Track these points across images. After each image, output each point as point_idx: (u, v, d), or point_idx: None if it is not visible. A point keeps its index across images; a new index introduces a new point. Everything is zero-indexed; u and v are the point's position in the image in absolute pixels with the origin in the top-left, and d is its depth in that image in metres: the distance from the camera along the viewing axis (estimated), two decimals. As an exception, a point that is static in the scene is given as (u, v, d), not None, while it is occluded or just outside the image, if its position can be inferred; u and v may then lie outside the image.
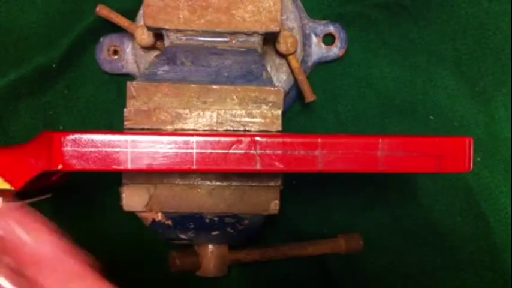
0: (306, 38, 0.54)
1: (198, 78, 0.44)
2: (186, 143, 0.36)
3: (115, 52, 0.55)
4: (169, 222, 0.46)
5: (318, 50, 0.55)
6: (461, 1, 0.55)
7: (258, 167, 0.36)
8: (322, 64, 0.56)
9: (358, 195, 0.57)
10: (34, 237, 0.39)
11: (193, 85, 0.43)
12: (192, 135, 0.36)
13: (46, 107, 0.56)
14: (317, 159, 0.36)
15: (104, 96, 0.56)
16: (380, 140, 0.37)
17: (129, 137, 0.36)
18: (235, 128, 0.42)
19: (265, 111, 0.43)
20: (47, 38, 0.55)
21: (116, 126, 0.55)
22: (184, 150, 0.36)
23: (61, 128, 0.56)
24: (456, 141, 0.37)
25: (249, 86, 0.43)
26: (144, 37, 0.50)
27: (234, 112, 0.43)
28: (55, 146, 0.35)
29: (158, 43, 0.52)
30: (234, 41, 0.47)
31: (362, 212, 0.57)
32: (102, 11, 0.52)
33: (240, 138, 0.36)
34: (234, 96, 0.43)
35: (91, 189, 0.56)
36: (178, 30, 0.46)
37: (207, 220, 0.46)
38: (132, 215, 0.46)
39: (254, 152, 0.36)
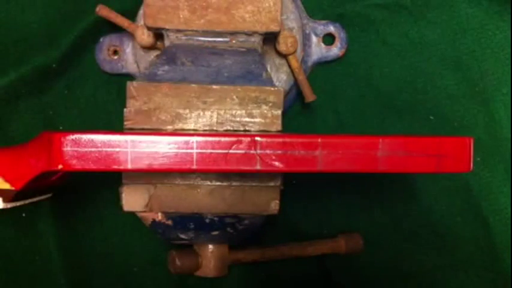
0: (306, 38, 0.54)
1: (198, 78, 0.44)
2: (186, 143, 0.36)
3: (115, 52, 0.55)
4: (169, 222, 0.46)
5: (318, 50, 0.55)
6: (461, 1, 0.55)
7: (258, 167, 0.36)
8: (322, 64, 0.56)
9: (358, 195, 0.57)
10: None
11: (193, 85, 0.43)
12: (192, 135, 0.36)
13: (46, 107, 0.56)
14: (317, 159, 0.36)
15: (104, 96, 0.56)
16: (380, 140, 0.37)
17: (129, 137, 0.36)
18: (235, 128, 0.42)
19: (265, 111, 0.43)
20: (47, 38, 0.55)
21: (116, 126, 0.55)
22: (184, 150, 0.36)
23: (61, 128, 0.56)
24: (456, 141, 0.37)
25: (249, 86, 0.43)
26: (144, 37, 0.50)
27: (234, 112, 0.43)
28: (55, 146, 0.35)
29: (158, 43, 0.52)
30: (234, 41, 0.47)
31: (362, 212, 0.57)
32: (102, 11, 0.52)
33: (240, 138, 0.36)
34: (234, 96, 0.43)
35: (91, 189, 0.56)
36: (178, 30, 0.46)
37: (207, 220, 0.46)
38: (132, 215, 0.46)
39: (254, 152, 0.36)
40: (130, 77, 0.55)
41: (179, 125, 0.42)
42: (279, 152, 0.36)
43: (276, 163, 0.36)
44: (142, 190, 0.44)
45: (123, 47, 0.55)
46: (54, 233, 0.56)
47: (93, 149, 0.35)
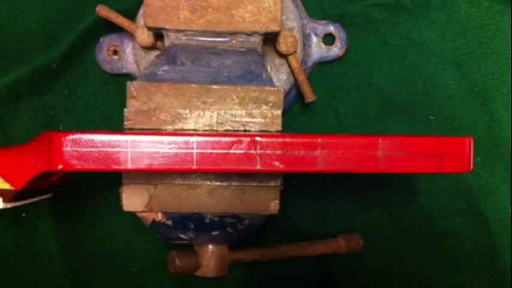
0: (306, 38, 0.54)
1: (198, 78, 0.44)
2: (186, 143, 0.36)
3: (115, 52, 0.55)
4: (169, 222, 0.46)
5: (318, 50, 0.55)
6: (461, 1, 0.55)
7: (258, 167, 0.36)
8: (322, 64, 0.56)
9: (358, 195, 0.57)
10: None
11: (193, 85, 0.43)
12: (192, 135, 0.36)
13: (46, 107, 0.56)
14: (317, 159, 0.36)
15: (104, 96, 0.56)
16: (380, 140, 0.37)
17: (129, 137, 0.36)
18: (235, 128, 0.42)
19: (265, 111, 0.43)
20: (47, 38, 0.55)
21: (116, 126, 0.55)
22: (184, 150, 0.36)
23: (61, 128, 0.56)
24: (456, 141, 0.37)
25: (249, 86, 0.43)
26: (144, 37, 0.50)
27: (234, 112, 0.43)
28: (55, 146, 0.35)
29: (158, 43, 0.52)
30: (234, 41, 0.47)
31: (362, 212, 0.57)
32: (102, 11, 0.52)
33: (240, 138, 0.36)
34: (234, 96, 0.43)
35: (91, 189, 0.56)
36: (178, 30, 0.46)
37: (207, 220, 0.46)
38: (132, 215, 0.46)
39: (254, 152, 0.36)
40: (130, 77, 0.55)
41: (179, 125, 0.42)
42: (279, 152, 0.36)
43: (276, 163, 0.36)
44: (142, 190, 0.44)
45: (123, 47, 0.55)
46: (54, 233, 0.56)
47: (93, 149, 0.35)
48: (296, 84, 0.54)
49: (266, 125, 0.43)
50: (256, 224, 0.47)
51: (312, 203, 0.57)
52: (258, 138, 0.36)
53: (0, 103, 0.55)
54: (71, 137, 0.35)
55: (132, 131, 0.42)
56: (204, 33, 0.47)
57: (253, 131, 0.42)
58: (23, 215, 0.56)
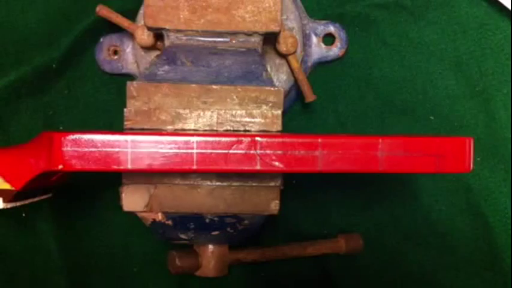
0: (306, 38, 0.54)
1: (198, 78, 0.44)
2: (186, 143, 0.36)
3: (115, 52, 0.55)
4: (169, 222, 0.46)
5: (318, 50, 0.55)
6: (461, 1, 0.55)
7: (258, 167, 0.36)
8: (322, 64, 0.56)
9: (358, 195, 0.57)
10: None
11: (193, 85, 0.43)
12: (192, 135, 0.36)
13: (46, 107, 0.56)
14: (317, 159, 0.36)
15: (104, 96, 0.56)
16: (380, 140, 0.37)
17: (129, 137, 0.36)
18: (236, 128, 0.42)
19: (265, 111, 0.43)
20: (47, 38, 0.55)
21: (116, 126, 0.55)
22: (184, 150, 0.36)
23: (61, 128, 0.56)
24: (456, 141, 0.38)
25: (249, 86, 0.43)
26: (144, 37, 0.50)
27: (234, 112, 0.43)
28: (55, 146, 0.35)
29: (158, 43, 0.52)
30: (234, 41, 0.47)
31: (362, 212, 0.57)
32: (102, 11, 0.52)
33: (240, 139, 0.36)
34: (234, 96, 0.43)
35: (91, 189, 0.56)
36: (178, 30, 0.46)
37: (207, 220, 0.46)
38: (132, 215, 0.46)
39: (254, 152, 0.36)
40: (130, 77, 0.55)
41: (179, 125, 0.42)
42: (279, 152, 0.36)
43: (276, 163, 0.36)
44: (142, 190, 0.44)
45: (123, 47, 0.55)
46: (54, 233, 0.56)
47: (93, 149, 0.35)
48: (296, 84, 0.54)
49: (266, 125, 0.43)
50: (256, 224, 0.47)
51: (312, 203, 0.57)
52: (258, 138, 0.36)
53: (0, 103, 0.55)
54: (71, 137, 0.35)
55: (132, 131, 0.42)
56: (204, 33, 0.47)
57: (253, 131, 0.42)
58: (23, 215, 0.56)
